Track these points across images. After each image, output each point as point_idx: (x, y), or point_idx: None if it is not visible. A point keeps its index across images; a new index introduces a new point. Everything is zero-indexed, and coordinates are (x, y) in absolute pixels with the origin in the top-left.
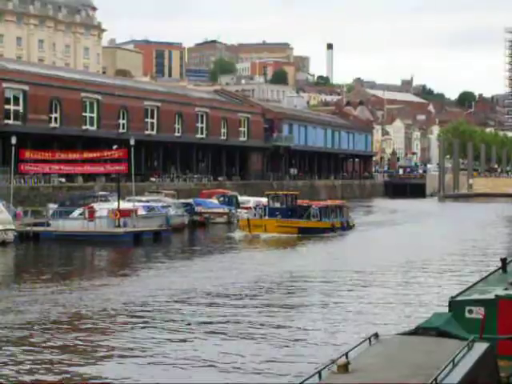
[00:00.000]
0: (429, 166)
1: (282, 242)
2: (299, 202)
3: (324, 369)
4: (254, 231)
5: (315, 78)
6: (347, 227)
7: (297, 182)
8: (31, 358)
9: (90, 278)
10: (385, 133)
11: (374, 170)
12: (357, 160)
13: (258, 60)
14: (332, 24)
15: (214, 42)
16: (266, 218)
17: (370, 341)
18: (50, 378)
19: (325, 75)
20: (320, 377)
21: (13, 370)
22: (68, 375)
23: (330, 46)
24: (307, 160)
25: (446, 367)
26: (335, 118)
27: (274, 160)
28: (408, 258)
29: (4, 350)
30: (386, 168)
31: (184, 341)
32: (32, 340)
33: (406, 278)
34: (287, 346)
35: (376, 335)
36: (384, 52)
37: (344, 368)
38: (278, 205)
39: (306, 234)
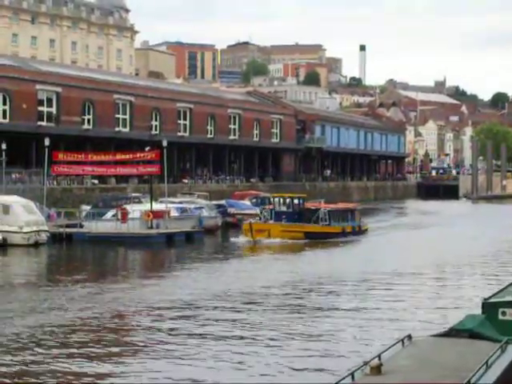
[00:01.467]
0: (466, 166)
1: (288, 248)
2: (307, 204)
3: (357, 370)
4: (257, 236)
5: (348, 79)
6: (359, 232)
7: (329, 184)
8: (69, 356)
9: (124, 279)
10: (418, 134)
11: (406, 171)
12: (389, 161)
13: (290, 61)
14: (365, 25)
15: (246, 43)
16: (271, 222)
17: (402, 342)
18: (87, 377)
19: (357, 76)
20: (353, 378)
21: (50, 369)
22: (105, 374)
23: (362, 48)
24: (340, 161)
25: (479, 369)
26: (368, 119)
27: (307, 161)
28: (440, 260)
29: (42, 350)
30: (418, 169)
31: (219, 340)
32: (70, 339)
33: (438, 279)
34: (320, 348)
35: (409, 337)
36: (417, 53)
37: (377, 369)
38: (284, 208)
39: (314, 239)
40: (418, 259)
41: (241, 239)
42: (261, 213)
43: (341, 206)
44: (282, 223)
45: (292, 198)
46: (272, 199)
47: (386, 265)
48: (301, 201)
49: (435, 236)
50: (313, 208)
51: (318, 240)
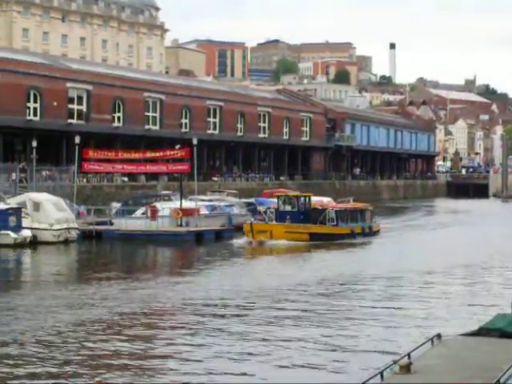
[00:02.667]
0: (496, 165)
1: (289, 250)
2: (314, 204)
3: (386, 369)
4: (259, 237)
5: (378, 77)
6: (370, 233)
7: (359, 182)
8: (103, 354)
9: (156, 277)
10: (447, 133)
11: (436, 170)
12: (419, 160)
13: (320, 60)
14: (395, 23)
15: (276, 41)
16: (273, 222)
17: (432, 341)
18: (124, 375)
19: (387, 75)
20: (382, 377)
21: (83, 367)
22: (138, 372)
23: (392, 46)
24: (369, 160)
25: (509, 369)
26: (398, 117)
27: (336, 160)
28: (470, 259)
29: (74, 348)
30: (448, 168)
31: (250, 338)
32: (102, 336)
33: (467, 278)
34: (348, 346)
35: (438, 336)
36: (447, 51)
37: (406, 368)
38: (288, 208)
39: (319, 240)
40: (446, 258)
41: (241, 240)
42: (265, 213)
43: (350, 205)
44: (285, 224)
45: (297, 197)
46: (276, 198)
47: (412, 263)
48: (307, 200)
49: (465, 235)
50: (319, 208)
51: (323, 242)
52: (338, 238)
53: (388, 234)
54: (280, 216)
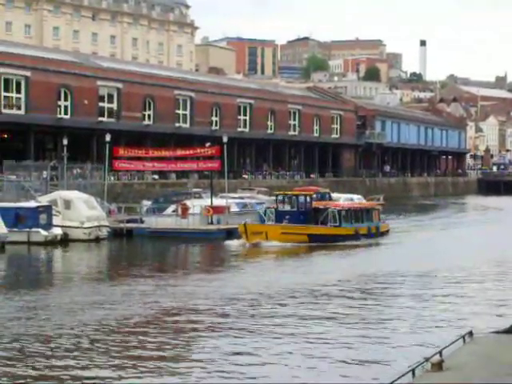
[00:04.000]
0: None
1: (287, 252)
2: (318, 203)
3: (418, 366)
4: (253, 239)
5: (408, 74)
6: (377, 234)
7: (389, 180)
8: (137, 352)
9: (187, 274)
10: (478, 130)
11: (467, 167)
12: (450, 157)
13: (350, 57)
14: (426, 20)
15: (306, 38)
16: (270, 223)
17: (464, 339)
18: (161, 372)
19: (418, 72)
20: (414, 375)
21: (116, 365)
22: (171, 368)
23: (423, 43)
24: (400, 157)
25: None
26: (428, 114)
27: (367, 157)
28: (501, 256)
29: (105, 345)
30: (479, 165)
31: (281, 335)
32: (135, 333)
33: (498, 275)
34: (380, 344)
35: (470, 333)
36: (478, 48)
37: (438, 366)
38: (288, 207)
39: (320, 242)
40: (476, 256)
41: (235, 242)
42: (264, 213)
43: (355, 204)
44: (282, 224)
45: (297, 196)
46: (274, 197)
47: (441, 260)
48: (307, 199)
49: (497, 232)
50: (321, 207)
51: (324, 243)
52: (340, 240)
53: (398, 235)
54: (279, 216)
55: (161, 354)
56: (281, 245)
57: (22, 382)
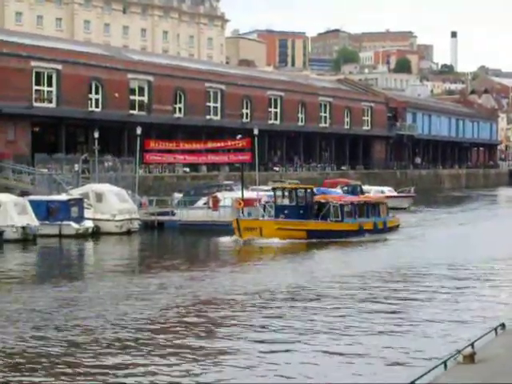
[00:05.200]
0: None
1: (281, 250)
2: (323, 197)
3: (450, 358)
4: (246, 235)
5: (439, 66)
6: (384, 229)
7: (420, 172)
8: (170, 344)
9: (220, 266)
10: (510, 121)
11: (498, 158)
12: (481, 149)
13: (381, 49)
14: (456, 11)
15: (337, 30)
16: (265, 218)
17: (496, 331)
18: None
19: (449, 63)
20: (445, 366)
21: (162, 355)
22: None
23: (454, 34)
24: (431, 149)
25: None
26: (459, 106)
27: (398, 149)
28: None
29: (148, 335)
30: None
31: (313, 327)
32: (168, 325)
33: None
34: (412, 337)
35: (503, 325)
36: (510, 39)
37: (470, 358)
38: (286, 201)
39: (319, 238)
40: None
41: (227, 238)
42: (264, 208)
43: (360, 198)
44: (278, 220)
45: (295, 190)
46: (272, 191)
47: (476, 253)
48: (307, 193)
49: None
50: (322, 201)
51: (325, 239)
52: (342, 236)
53: (407, 230)
54: (277, 211)
55: (201, 343)
56: (276, 242)
57: (77, 371)
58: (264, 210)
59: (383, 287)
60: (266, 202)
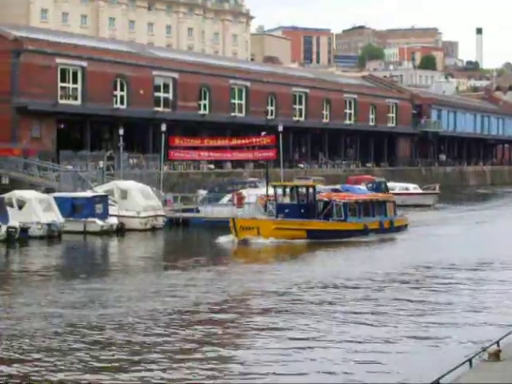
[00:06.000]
0: None
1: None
2: (328, 195)
3: (475, 356)
4: (243, 235)
5: (464, 63)
6: (391, 229)
7: (445, 169)
8: (201, 339)
9: (244, 263)
10: None
11: None
12: (506, 145)
13: (406, 45)
14: (482, 7)
15: (361, 27)
16: (262, 217)
17: None
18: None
19: (474, 60)
20: (471, 364)
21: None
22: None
23: (479, 31)
24: (456, 146)
25: None
26: (485, 103)
27: (423, 146)
28: None
29: (182, 328)
30: None
31: (338, 323)
32: (199, 320)
33: None
34: (437, 334)
35: None
36: None
37: (495, 356)
38: (287, 200)
39: (320, 238)
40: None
41: (224, 238)
42: (265, 206)
43: (364, 196)
44: (277, 219)
45: (296, 188)
46: (273, 189)
47: (492, 252)
48: (310, 191)
49: None
50: (325, 200)
51: (326, 240)
52: (345, 235)
53: (416, 230)
54: (279, 209)
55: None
56: (274, 241)
57: (116, 365)
58: (265, 209)
59: (397, 288)
60: (268, 200)
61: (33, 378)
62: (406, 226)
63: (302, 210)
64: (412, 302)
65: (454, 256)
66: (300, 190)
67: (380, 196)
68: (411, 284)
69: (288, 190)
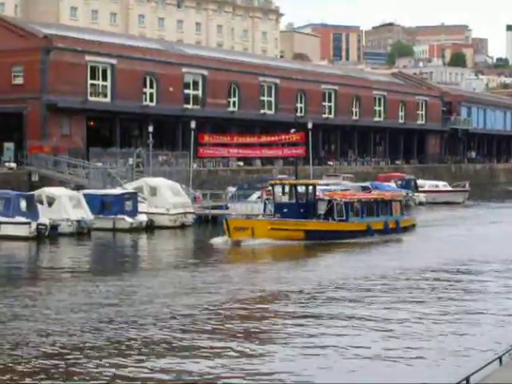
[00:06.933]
0: None
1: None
2: (331, 193)
3: (505, 354)
4: (237, 236)
5: (494, 60)
6: (396, 229)
7: (475, 166)
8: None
9: (278, 260)
10: None
11: None
12: None
13: (435, 42)
14: (511, 4)
15: (391, 24)
16: (259, 217)
17: None
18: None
19: (504, 57)
20: (501, 362)
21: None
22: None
23: (509, 28)
24: (486, 143)
25: None
26: None
27: (452, 143)
28: None
29: (215, 330)
30: None
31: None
32: (235, 314)
33: None
34: (467, 332)
35: None
36: None
37: None
38: (285, 199)
39: (320, 239)
40: None
41: (218, 239)
42: (264, 206)
43: (368, 195)
44: (272, 219)
45: (295, 186)
46: (271, 187)
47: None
48: (309, 189)
49: None
50: (326, 199)
51: (326, 241)
52: (346, 236)
53: (424, 230)
54: (277, 209)
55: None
56: (270, 243)
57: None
58: (264, 208)
59: (421, 286)
60: (266, 199)
61: (76, 371)
62: (413, 226)
63: (301, 210)
64: (441, 296)
65: (475, 254)
66: (299, 188)
67: (385, 195)
68: (426, 282)
69: (287, 188)
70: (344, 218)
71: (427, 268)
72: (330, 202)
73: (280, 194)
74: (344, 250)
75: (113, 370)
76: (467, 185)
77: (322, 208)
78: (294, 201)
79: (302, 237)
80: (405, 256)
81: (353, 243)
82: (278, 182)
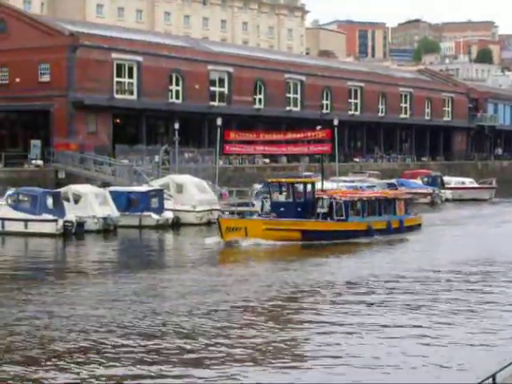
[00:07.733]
0: None
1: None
2: (331, 192)
3: None
4: (229, 236)
5: None
6: (400, 228)
7: (502, 163)
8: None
9: (305, 256)
10: None
11: None
12: None
13: (462, 39)
14: None
15: (417, 20)
16: (253, 217)
17: None
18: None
19: None
20: None
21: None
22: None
23: None
24: None
25: None
26: None
27: (479, 140)
28: None
29: (254, 319)
30: None
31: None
32: (263, 313)
33: None
34: (491, 329)
35: None
36: None
37: None
38: (282, 198)
39: (317, 240)
40: None
41: (212, 239)
42: (262, 204)
43: (369, 193)
44: (267, 219)
45: (292, 184)
46: (267, 185)
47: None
48: (308, 187)
49: None
50: (325, 197)
51: (324, 241)
52: (345, 237)
53: (430, 230)
54: (273, 208)
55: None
56: (264, 243)
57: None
58: (262, 207)
59: (455, 286)
60: (264, 198)
61: (107, 366)
62: (419, 225)
63: (299, 209)
64: (461, 296)
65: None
66: (297, 186)
67: (389, 193)
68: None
69: (284, 186)
70: (343, 217)
71: (421, 270)
72: (329, 200)
73: (277, 192)
74: (340, 251)
75: (140, 365)
76: (494, 182)
77: (323, 207)
78: (291, 199)
79: (298, 237)
80: (392, 259)
81: (351, 244)
82: (274, 180)
